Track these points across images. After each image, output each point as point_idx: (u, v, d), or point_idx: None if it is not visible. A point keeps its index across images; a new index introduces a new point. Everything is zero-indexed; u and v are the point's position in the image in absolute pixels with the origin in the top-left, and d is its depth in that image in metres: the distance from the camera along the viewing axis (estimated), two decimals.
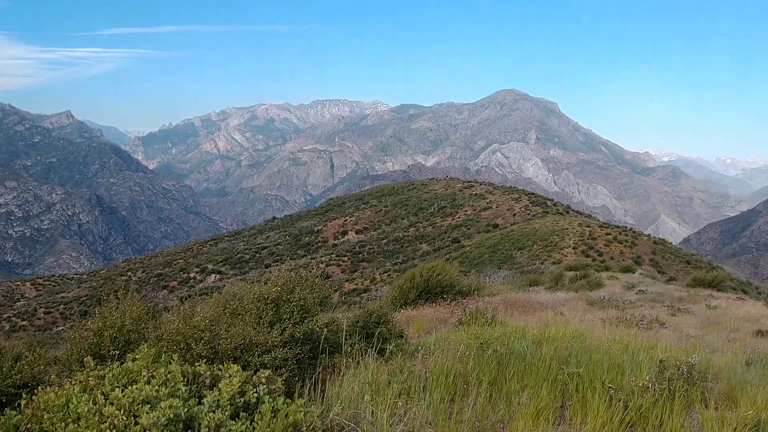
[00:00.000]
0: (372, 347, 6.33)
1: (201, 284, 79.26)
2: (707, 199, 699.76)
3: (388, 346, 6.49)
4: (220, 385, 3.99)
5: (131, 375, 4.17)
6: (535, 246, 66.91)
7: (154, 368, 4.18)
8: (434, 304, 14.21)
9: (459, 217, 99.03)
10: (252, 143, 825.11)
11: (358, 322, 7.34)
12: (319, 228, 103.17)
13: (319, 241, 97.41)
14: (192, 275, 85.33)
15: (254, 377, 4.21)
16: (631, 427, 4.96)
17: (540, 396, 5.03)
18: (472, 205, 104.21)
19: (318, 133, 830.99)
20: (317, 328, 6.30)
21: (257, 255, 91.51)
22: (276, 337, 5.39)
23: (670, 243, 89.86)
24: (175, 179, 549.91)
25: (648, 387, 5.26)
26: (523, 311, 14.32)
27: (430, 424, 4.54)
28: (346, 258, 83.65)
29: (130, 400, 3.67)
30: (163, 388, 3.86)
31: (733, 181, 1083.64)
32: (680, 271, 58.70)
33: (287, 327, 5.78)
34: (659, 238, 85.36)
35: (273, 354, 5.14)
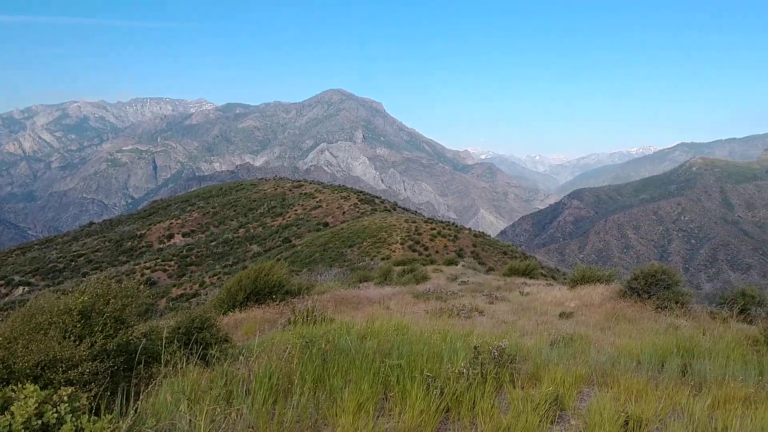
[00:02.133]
0: (194, 354, 6.08)
1: (6, 298, 71.82)
2: (520, 193, 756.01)
3: (210, 352, 6.26)
4: (12, 408, 3.59)
5: None
6: (364, 243, 68.30)
7: None
8: (264, 306, 14.01)
9: (289, 217, 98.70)
10: (64, 143, 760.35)
11: (179, 328, 7.03)
12: (143, 232, 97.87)
13: (143, 246, 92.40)
14: None
15: (55, 396, 3.85)
16: (447, 412, 5.20)
17: (361, 390, 5.10)
18: (302, 205, 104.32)
19: (139, 132, 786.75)
20: (134, 339, 5.93)
21: (73, 263, 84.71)
22: (84, 351, 4.98)
23: (489, 236, 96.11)
24: None
25: (463, 372, 5.55)
26: (352, 307, 14.54)
27: (251, 427, 4.43)
28: (172, 262, 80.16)
29: None
30: None
31: (541, 176, 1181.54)
32: (498, 261, 62.84)
33: (98, 339, 5.38)
34: (479, 232, 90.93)
35: (81, 369, 4.75)
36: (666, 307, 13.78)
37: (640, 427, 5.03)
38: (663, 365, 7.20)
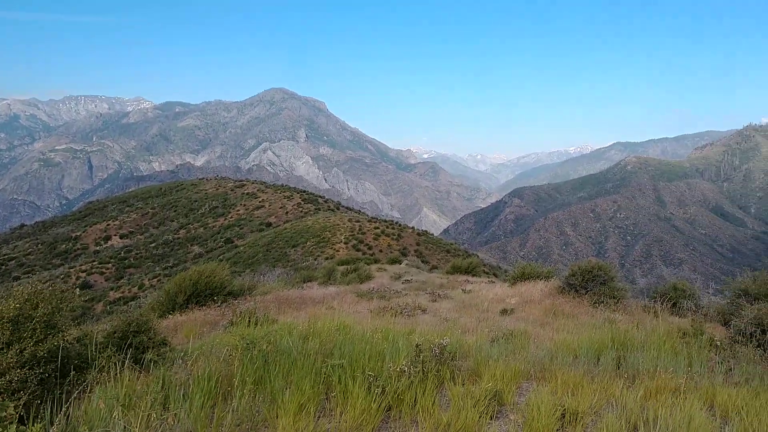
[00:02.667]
0: (130, 358, 5.93)
1: None
2: (462, 192, 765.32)
3: (147, 356, 6.12)
4: None
5: None
6: (308, 243, 67.96)
7: None
8: (205, 308, 13.75)
9: (232, 217, 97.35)
10: None
11: (115, 332, 6.83)
12: (78, 234, 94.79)
13: (78, 249, 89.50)
14: None
15: None
16: (388, 410, 5.23)
17: (302, 390, 5.08)
18: (245, 205, 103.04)
19: (73, 131, 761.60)
20: (67, 344, 5.74)
21: (2, 267, 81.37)
22: (12, 358, 4.79)
23: (432, 234, 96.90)
24: None
25: (405, 371, 5.59)
26: (295, 308, 14.43)
27: None
28: (110, 265, 77.93)
29: None
30: None
31: (483, 175, 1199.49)
32: (441, 259, 63.43)
33: (27, 346, 5.18)
34: (422, 230, 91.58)
35: (8, 377, 4.58)
36: (602, 302, 14.13)
37: (576, 419, 5.16)
38: (599, 359, 7.38)
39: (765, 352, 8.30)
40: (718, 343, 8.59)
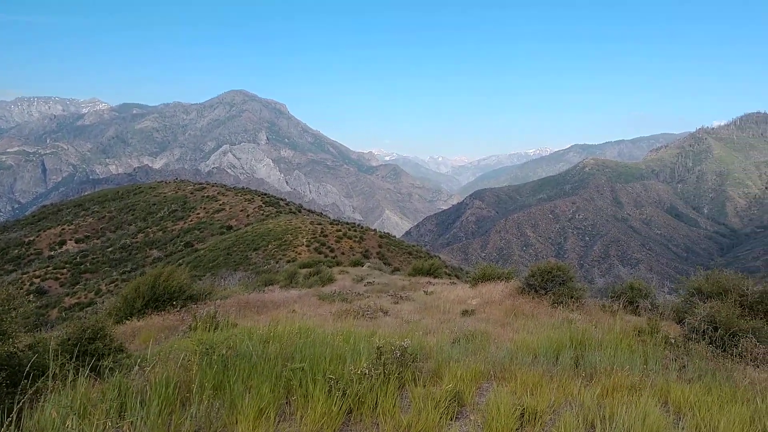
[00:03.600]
0: (85, 366, 5.79)
1: None
2: (424, 194, 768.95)
3: (103, 363, 5.99)
4: None
5: None
6: (270, 246, 67.43)
7: None
8: (164, 313, 13.53)
9: (191, 221, 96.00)
10: None
11: (69, 339, 6.68)
12: (31, 239, 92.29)
13: (32, 254, 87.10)
14: None
15: None
16: (349, 413, 5.23)
17: (262, 395, 5.04)
18: (205, 208, 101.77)
19: (25, 133, 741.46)
20: (18, 352, 5.58)
21: None
22: None
23: (394, 236, 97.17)
24: None
25: (366, 373, 5.59)
26: (256, 311, 14.30)
27: None
28: (65, 270, 76.03)
29: None
30: None
31: (444, 177, 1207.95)
32: (404, 261, 63.61)
33: None
34: (384, 233, 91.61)
35: None
36: (561, 302, 14.33)
37: (535, 418, 5.23)
38: (558, 358, 7.48)
39: (717, 348, 8.54)
40: (673, 340, 8.80)
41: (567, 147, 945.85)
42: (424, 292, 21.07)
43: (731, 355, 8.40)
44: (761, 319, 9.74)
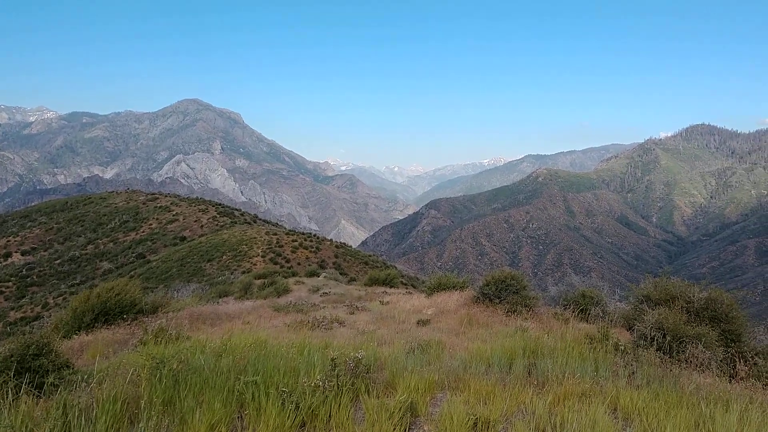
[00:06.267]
0: (29, 383, 5.61)
1: None
2: (380, 204, 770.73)
3: (48, 380, 5.81)
4: None
5: None
6: (224, 257, 66.62)
7: None
8: (114, 326, 13.21)
9: (143, 232, 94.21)
10: None
11: (11, 356, 6.46)
12: None
13: None
14: None
15: None
16: (302, 426, 5.17)
17: (214, 410, 4.96)
18: (158, 218, 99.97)
19: None
20: None
21: None
22: None
23: (350, 246, 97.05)
24: None
25: (319, 385, 5.55)
26: (210, 324, 14.11)
27: None
28: (10, 283, 73.68)
29: None
30: None
31: (400, 187, 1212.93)
32: (360, 271, 63.55)
33: None
34: (341, 242, 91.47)
35: None
36: (515, 310, 14.50)
37: (488, 427, 5.27)
38: (511, 366, 7.54)
39: (665, 354, 8.74)
40: (623, 347, 8.96)
41: (520, 157, 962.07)
42: (380, 302, 21.07)
43: (678, 360, 8.61)
44: (707, 325, 10.00)
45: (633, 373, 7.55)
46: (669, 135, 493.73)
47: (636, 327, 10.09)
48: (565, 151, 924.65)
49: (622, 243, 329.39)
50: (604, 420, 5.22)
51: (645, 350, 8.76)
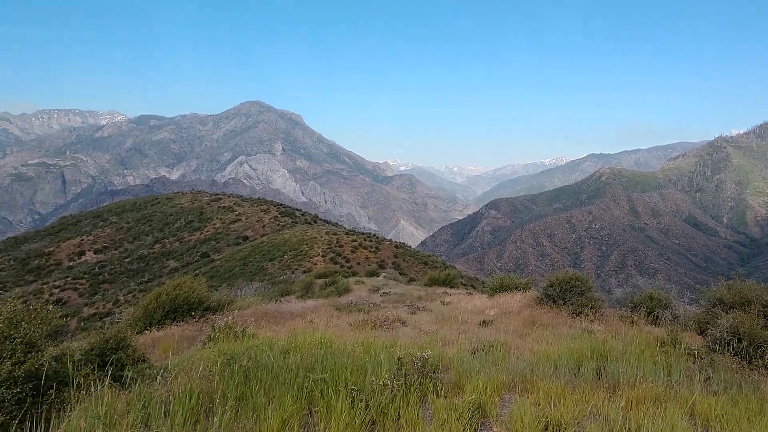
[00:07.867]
0: (109, 376, 5.81)
1: None
2: (439, 204, 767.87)
3: (126, 373, 6.00)
4: None
5: None
6: (285, 256, 67.56)
7: None
8: (182, 323, 13.57)
9: (208, 231, 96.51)
10: None
11: (92, 350, 6.71)
12: (51, 249, 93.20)
13: (52, 264, 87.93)
14: None
15: None
16: (372, 424, 5.19)
17: (285, 406, 5.02)
18: (221, 219, 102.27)
19: (46, 145, 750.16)
20: (44, 363, 5.61)
21: None
22: None
23: (410, 246, 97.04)
24: None
25: (387, 384, 5.56)
26: (274, 322, 14.29)
27: None
28: (84, 280, 76.73)
29: None
30: None
31: (460, 187, 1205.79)
32: (419, 271, 63.43)
33: (5, 367, 5.06)
34: (400, 243, 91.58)
35: None
36: (580, 312, 14.22)
37: (559, 430, 5.17)
38: (579, 369, 7.40)
39: (742, 360, 8.41)
40: (696, 351, 8.67)
41: (583, 156, 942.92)
42: (441, 302, 20.98)
43: (757, 366, 8.27)
44: None
45: (709, 378, 7.30)
46: (741, 132, 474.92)
47: (709, 331, 9.76)
48: (629, 149, 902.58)
49: (690, 244, 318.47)
50: (681, 425, 5.07)
51: (720, 355, 8.46)
